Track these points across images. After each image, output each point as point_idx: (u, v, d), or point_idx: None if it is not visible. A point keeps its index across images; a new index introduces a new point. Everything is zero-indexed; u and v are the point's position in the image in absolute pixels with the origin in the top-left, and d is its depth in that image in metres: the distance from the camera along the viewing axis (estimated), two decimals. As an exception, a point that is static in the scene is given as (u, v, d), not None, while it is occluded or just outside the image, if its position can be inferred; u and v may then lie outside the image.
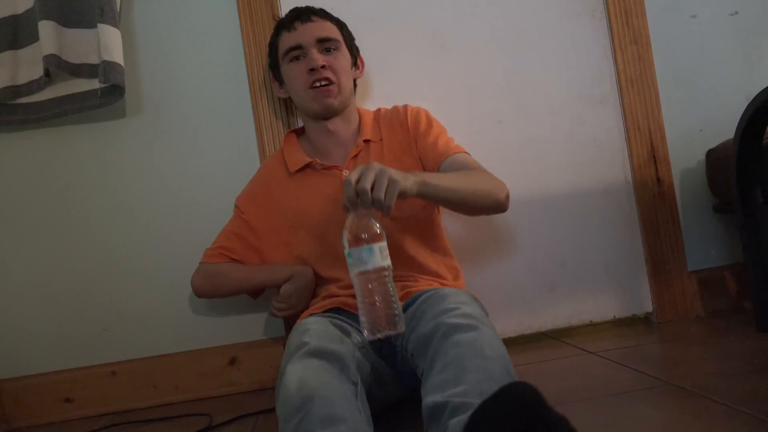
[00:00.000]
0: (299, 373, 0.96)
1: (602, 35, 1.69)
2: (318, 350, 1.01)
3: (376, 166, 1.04)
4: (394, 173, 1.04)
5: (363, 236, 1.02)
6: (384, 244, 1.04)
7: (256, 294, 1.48)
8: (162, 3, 1.59)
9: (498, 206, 1.28)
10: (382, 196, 1.01)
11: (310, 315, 1.24)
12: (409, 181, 1.08)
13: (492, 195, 1.26)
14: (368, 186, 1.01)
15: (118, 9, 1.50)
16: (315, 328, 1.08)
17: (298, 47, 1.37)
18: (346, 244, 1.04)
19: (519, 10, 1.67)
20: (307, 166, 1.39)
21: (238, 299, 1.50)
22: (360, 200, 1.01)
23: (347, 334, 1.11)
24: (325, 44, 1.37)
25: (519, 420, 0.71)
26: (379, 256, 1.02)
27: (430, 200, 1.23)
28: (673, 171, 1.67)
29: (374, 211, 1.04)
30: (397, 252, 1.21)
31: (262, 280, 1.42)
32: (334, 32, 1.40)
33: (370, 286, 1.03)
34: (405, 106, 1.45)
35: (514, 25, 1.67)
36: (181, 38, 1.59)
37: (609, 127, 1.68)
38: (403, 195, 1.06)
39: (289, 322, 1.56)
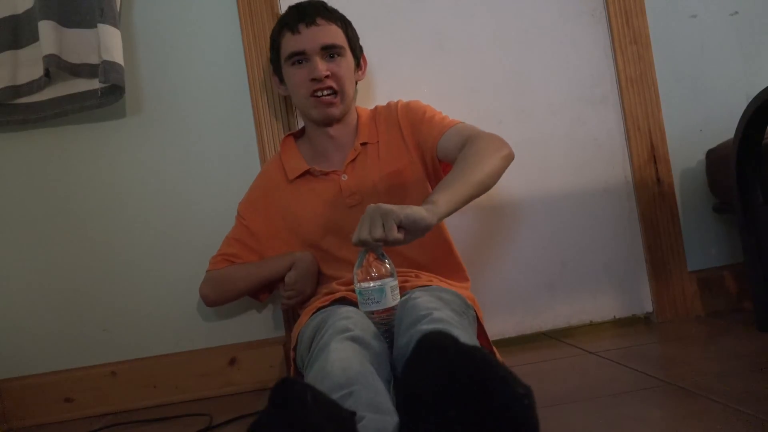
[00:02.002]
0: (343, 352, 0.95)
1: (602, 35, 1.69)
2: (361, 339, 1.01)
3: (376, 210, 1.04)
4: (412, 213, 1.04)
5: (373, 274, 1.05)
6: (395, 282, 1.06)
7: (263, 293, 1.48)
8: (162, 3, 1.59)
9: (507, 163, 1.26)
10: (380, 233, 1.02)
11: (318, 309, 1.22)
12: (431, 216, 1.07)
13: (496, 165, 1.22)
14: (377, 231, 1.02)
15: (118, 9, 1.50)
16: (357, 319, 1.07)
17: (302, 53, 1.36)
18: (356, 282, 1.06)
19: (519, 10, 1.67)
20: (306, 172, 1.41)
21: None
22: (366, 243, 1.03)
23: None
24: (329, 51, 1.36)
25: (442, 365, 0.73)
26: (390, 296, 1.05)
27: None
28: (673, 171, 1.67)
29: (385, 248, 1.06)
30: (396, 255, 1.21)
31: (265, 273, 1.42)
32: (339, 37, 1.38)
33: (379, 321, 1.05)
34: (397, 102, 1.45)
35: (514, 25, 1.67)
36: (181, 38, 1.59)
37: (609, 127, 1.68)
38: (426, 228, 1.06)
39: (290, 321, 1.56)
